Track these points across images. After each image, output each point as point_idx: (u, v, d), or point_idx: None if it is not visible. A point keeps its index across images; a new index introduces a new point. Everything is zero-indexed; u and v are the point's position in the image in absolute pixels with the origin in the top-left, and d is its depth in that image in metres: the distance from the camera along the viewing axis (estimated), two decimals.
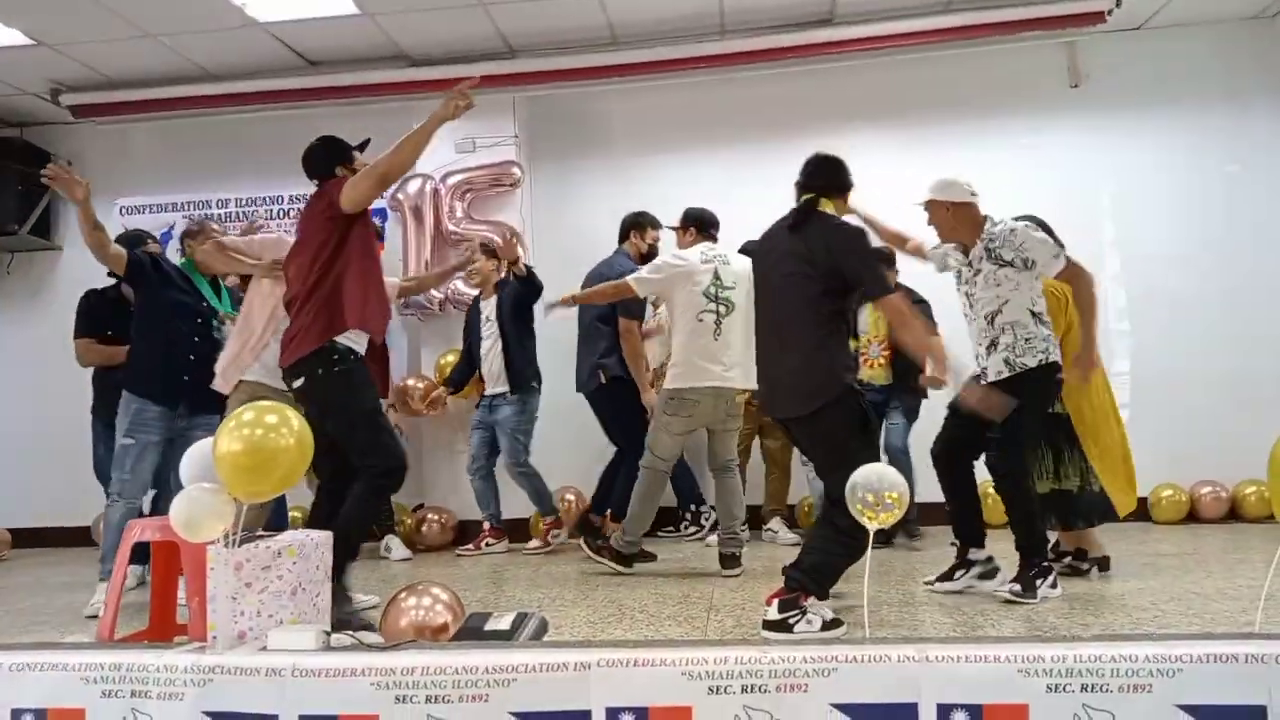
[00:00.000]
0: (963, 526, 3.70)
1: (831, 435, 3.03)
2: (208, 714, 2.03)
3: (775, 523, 5.31)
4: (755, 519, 5.41)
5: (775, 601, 2.97)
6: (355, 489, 3.19)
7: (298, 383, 3.20)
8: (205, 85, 6.15)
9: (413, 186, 5.91)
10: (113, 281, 4.60)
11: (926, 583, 3.74)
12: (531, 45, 5.91)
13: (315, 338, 3.16)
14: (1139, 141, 5.85)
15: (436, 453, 6.00)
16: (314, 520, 3.41)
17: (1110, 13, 5.45)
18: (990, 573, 3.63)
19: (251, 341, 3.83)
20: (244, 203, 6.28)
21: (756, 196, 6.14)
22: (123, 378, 4.15)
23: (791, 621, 2.90)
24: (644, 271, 4.36)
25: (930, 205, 3.63)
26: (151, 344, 4.12)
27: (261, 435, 2.27)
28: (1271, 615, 2.93)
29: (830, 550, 2.97)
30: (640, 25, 5.73)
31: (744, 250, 3.48)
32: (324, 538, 2.48)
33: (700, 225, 4.60)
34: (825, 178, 3.28)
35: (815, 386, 3.02)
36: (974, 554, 3.65)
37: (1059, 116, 5.94)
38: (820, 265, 3.04)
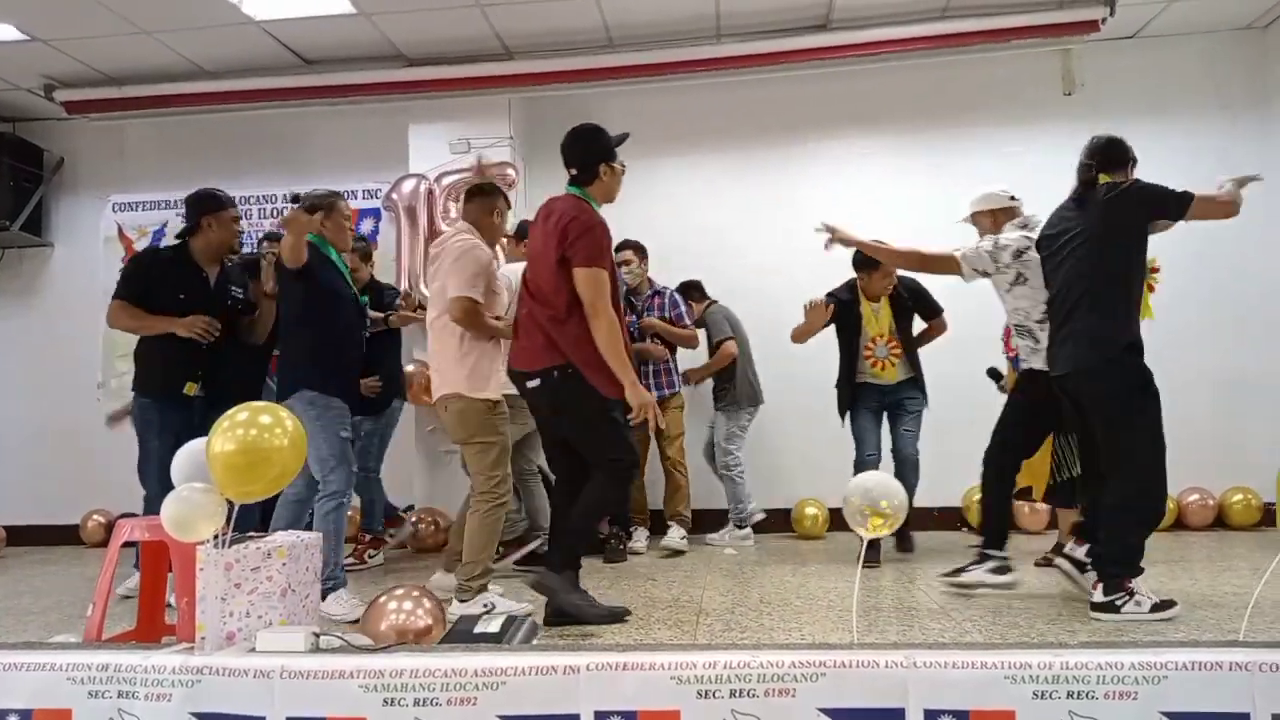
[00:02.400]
0: (994, 524, 3.78)
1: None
2: (195, 715, 2.03)
3: (674, 529, 5.27)
4: (718, 523, 5.46)
5: (1099, 586, 3.21)
6: (597, 478, 3.25)
7: (533, 383, 3.24)
8: (200, 83, 6.14)
9: (407, 187, 5.91)
10: (175, 241, 4.17)
11: (942, 575, 3.78)
12: (528, 46, 5.92)
13: (563, 357, 3.21)
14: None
15: (426, 455, 5.98)
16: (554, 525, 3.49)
17: (1104, 21, 5.48)
18: (1003, 569, 3.66)
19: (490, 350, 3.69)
20: (238, 201, 6.25)
21: (750, 199, 6.21)
22: (302, 376, 3.68)
23: (1119, 603, 3.15)
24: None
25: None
26: (338, 343, 3.75)
27: (255, 435, 2.26)
28: (1256, 623, 2.96)
29: (1127, 528, 3.24)
30: (636, 28, 5.74)
31: (1049, 230, 3.55)
32: (314, 539, 2.47)
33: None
34: (1110, 155, 3.54)
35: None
36: (993, 552, 3.71)
37: (1052, 124, 5.97)
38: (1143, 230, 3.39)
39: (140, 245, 6.38)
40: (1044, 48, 5.80)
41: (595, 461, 3.29)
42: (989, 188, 3.98)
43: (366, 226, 6.16)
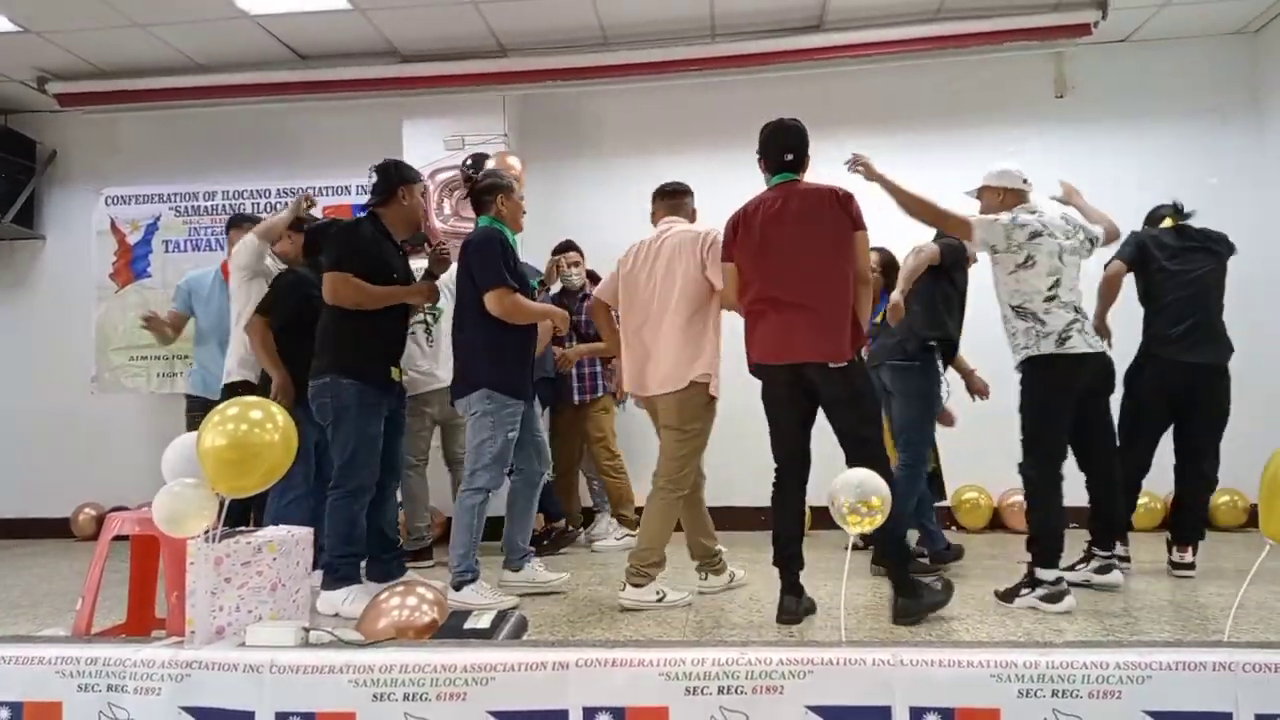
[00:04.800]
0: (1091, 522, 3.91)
1: None
2: (185, 709, 2.04)
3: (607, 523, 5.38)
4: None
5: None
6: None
7: (840, 363, 3.24)
8: (194, 77, 6.12)
9: None
10: (364, 212, 3.93)
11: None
12: (522, 44, 5.92)
13: (860, 337, 3.33)
14: (1121, 152, 5.91)
15: None
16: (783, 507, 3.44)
17: (1097, 24, 5.50)
18: (1105, 568, 3.78)
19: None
20: (231, 195, 6.26)
21: (743, 198, 6.20)
22: (482, 374, 3.68)
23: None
24: None
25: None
26: (518, 339, 3.76)
27: (246, 430, 2.27)
28: (1241, 624, 2.99)
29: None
30: (631, 26, 5.75)
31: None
32: (304, 534, 2.48)
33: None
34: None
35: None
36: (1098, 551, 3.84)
37: (1044, 126, 6.00)
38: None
39: (133, 239, 6.35)
40: (1037, 50, 5.82)
41: (871, 452, 3.22)
42: (1005, 164, 3.90)
43: None
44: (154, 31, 5.63)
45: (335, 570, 3.61)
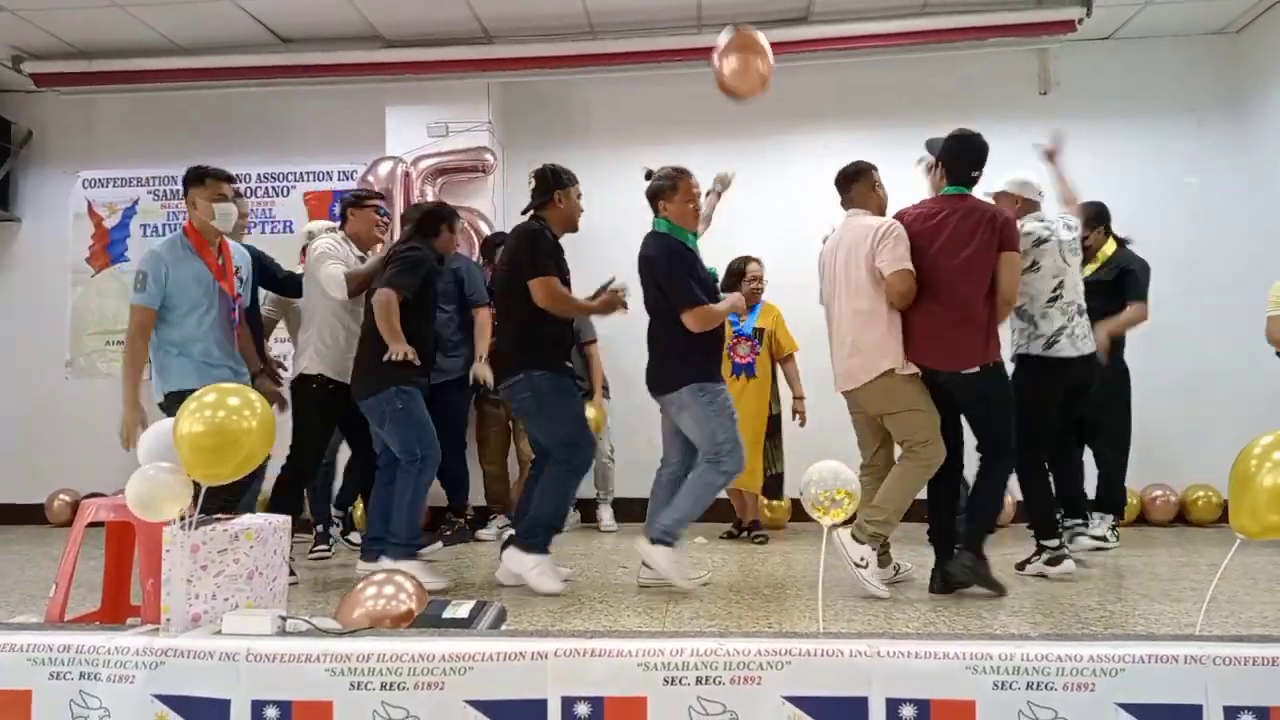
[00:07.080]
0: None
1: None
2: (158, 697, 2.01)
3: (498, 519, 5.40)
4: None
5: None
6: (992, 469, 3.58)
7: (972, 370, 3.51)
8: (174, 59, 6.05)
9: (383, 169, 5.85)
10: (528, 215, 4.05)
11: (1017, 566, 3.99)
12: (508, 31, 5.88)
13: (995, 348, 3.57)
14: (1104, 149, 5.95)
15: None
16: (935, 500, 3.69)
17: (1081, 22, 5.54)
18: (1056, 559, 3.86)
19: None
20: None
21: (729, 191, 6.20)
22: (686, 370, 3.74)
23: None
24: None
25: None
26: (709, 335, 3.79)
27: (224, 417, 2.23)
28: (1212, 617, 3.03)
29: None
30: (618, 15, 5.72)
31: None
32: (282, 522, 2.46)
33: None
34: None
35: None
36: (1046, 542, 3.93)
37: (1028, 122, 5.99)
38: None
39: (110, 223, 6.28)
40: (1021, 46, 5.85)
41: (997, 447, 3.57)
42: (1026, 174, 4.05)
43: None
44: (132, 11, 5.55)
45: (536, 535, 3.74)
